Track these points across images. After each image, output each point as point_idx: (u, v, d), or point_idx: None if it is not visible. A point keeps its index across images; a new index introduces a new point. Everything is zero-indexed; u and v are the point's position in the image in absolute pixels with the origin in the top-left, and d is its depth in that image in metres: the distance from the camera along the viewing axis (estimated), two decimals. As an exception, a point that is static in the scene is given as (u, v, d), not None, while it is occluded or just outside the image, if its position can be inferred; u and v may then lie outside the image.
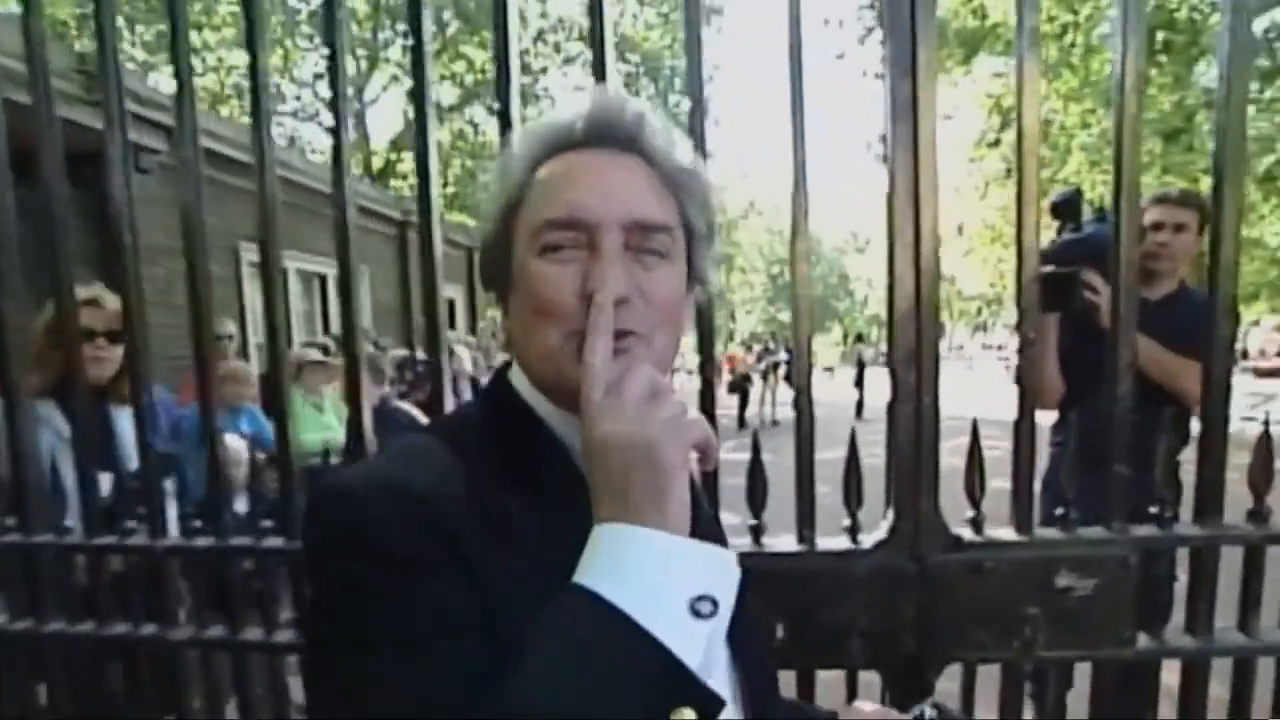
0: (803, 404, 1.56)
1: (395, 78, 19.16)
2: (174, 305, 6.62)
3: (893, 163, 1.45)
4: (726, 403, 15.53)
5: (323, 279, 10.75)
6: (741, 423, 15.10)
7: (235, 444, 3.43)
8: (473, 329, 14.20)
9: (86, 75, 5.27)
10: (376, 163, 19.84)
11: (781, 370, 15.89)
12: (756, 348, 19.44)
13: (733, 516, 1.51)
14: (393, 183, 19.00)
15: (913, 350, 1.47)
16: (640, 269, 0.76)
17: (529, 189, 0.79)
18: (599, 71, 1.51)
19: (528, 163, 0.80)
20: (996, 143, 15.61)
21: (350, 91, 16.85)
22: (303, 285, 10.58)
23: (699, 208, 0.82)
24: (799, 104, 1.48)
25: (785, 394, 14.38)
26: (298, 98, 19.11)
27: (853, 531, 1.56)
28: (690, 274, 0.83)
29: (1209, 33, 11.81)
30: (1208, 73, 12.89)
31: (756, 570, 0.94)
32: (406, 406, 4.78)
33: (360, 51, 18.93)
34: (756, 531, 1.59)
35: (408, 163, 18.44)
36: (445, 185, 20.47)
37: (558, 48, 19.60)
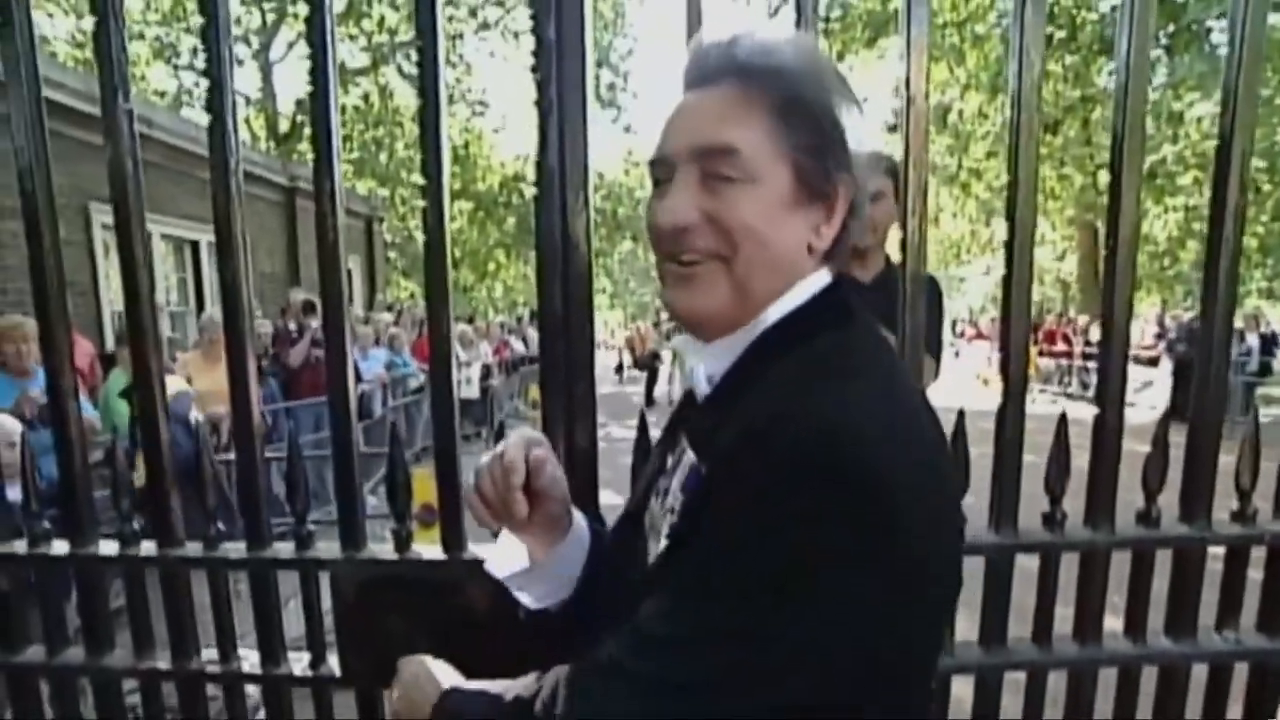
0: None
1: (302, 34, 18.22)
2: (4, 267, 6.16)
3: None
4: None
5: (195, 245, 10.07)
6: (649, 400, 15.12)
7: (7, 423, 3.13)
8: (370, 301, 13.76)
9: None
10: (282, 125, 18.87)
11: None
12: (668, 325, 19.50)
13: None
14: (299, 147, 18.10)
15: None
16: (710, 195, 0.79)
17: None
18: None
19: None
20: (895, 127, 16.05)
21: (254, 47, 16.02)
22: (173, 252, 9.94)
23: (809, 113, 0.80)
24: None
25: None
26: (194, 50, 17.93)
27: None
28: (802, 185, 0.80)
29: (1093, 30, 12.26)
30: (1105, 69, 13.51)
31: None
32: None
33: (266, 4, 17.89)
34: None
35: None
36: (349, 151, 19.68)
37: (474, 12, 19.02)
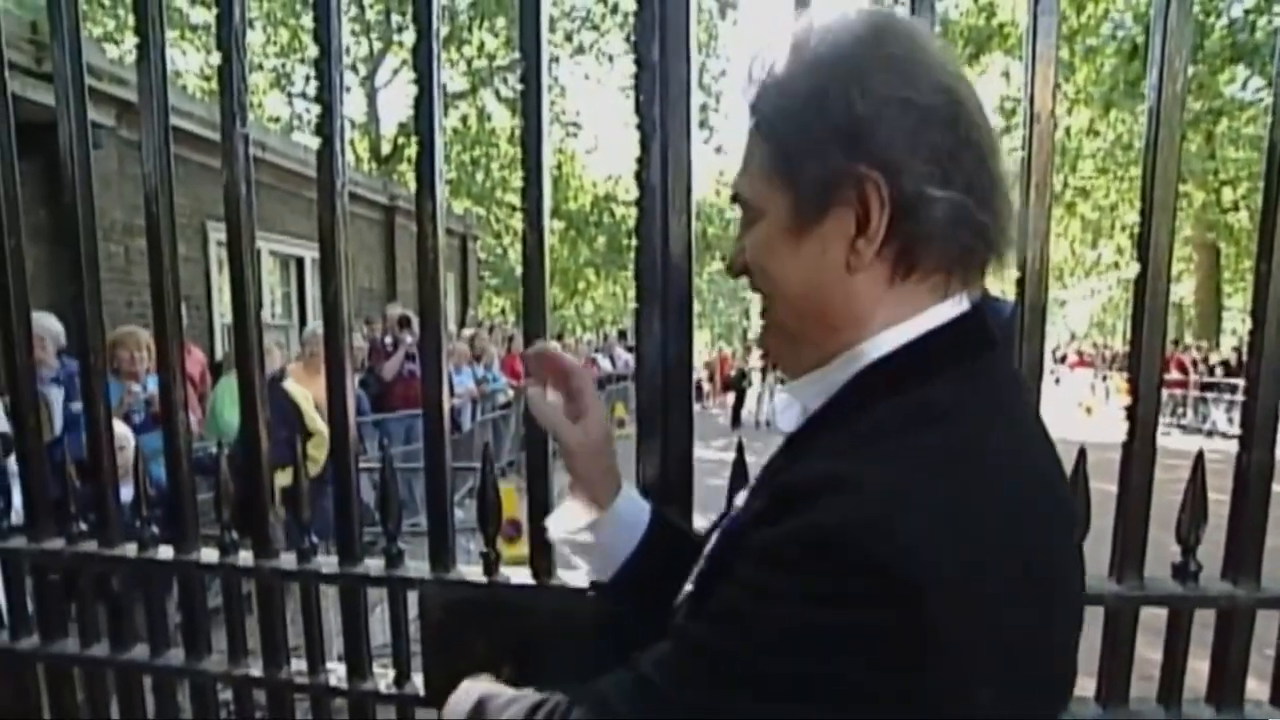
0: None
1: (405, 61, 19.09)
2: (132, 282, 6.62)
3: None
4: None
5: (300, 261, 10.62)
6: (735, 421, 14.96)
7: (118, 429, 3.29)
8: (463, 317, 14.13)
9: (37, 46, 5.16)
10: (385, 147, 19.78)
11: (782, 368, 15.89)
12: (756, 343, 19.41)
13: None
14: (400, 168, 18.91)
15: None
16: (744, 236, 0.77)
17: None
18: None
19: None
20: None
21: (361, 74, 16.98)
22: (280, 268, 10.51)
23: (797, 113, 0.68)
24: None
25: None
26: (307, 78, 18.99)
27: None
28: (804, 201, 0.69)
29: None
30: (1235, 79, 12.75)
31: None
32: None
33: (374, 34, 18.92)
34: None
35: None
36: (447, 172, 20.38)
37: (569, 36, 19.47)
